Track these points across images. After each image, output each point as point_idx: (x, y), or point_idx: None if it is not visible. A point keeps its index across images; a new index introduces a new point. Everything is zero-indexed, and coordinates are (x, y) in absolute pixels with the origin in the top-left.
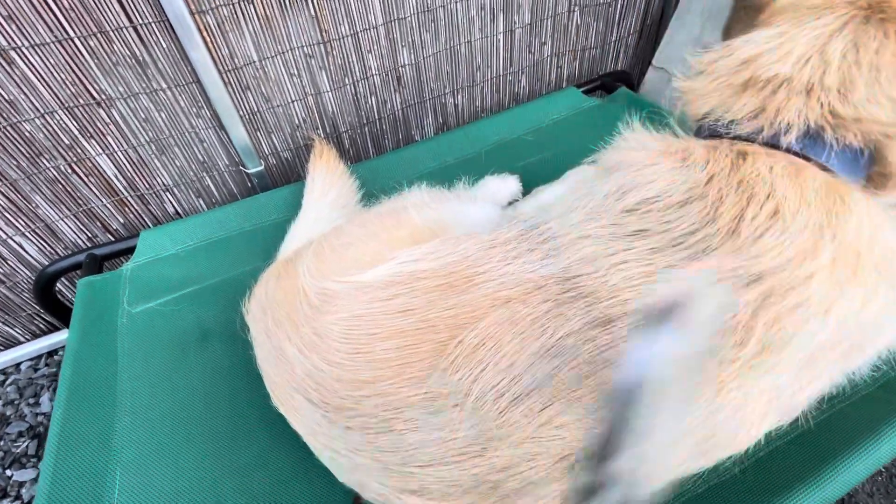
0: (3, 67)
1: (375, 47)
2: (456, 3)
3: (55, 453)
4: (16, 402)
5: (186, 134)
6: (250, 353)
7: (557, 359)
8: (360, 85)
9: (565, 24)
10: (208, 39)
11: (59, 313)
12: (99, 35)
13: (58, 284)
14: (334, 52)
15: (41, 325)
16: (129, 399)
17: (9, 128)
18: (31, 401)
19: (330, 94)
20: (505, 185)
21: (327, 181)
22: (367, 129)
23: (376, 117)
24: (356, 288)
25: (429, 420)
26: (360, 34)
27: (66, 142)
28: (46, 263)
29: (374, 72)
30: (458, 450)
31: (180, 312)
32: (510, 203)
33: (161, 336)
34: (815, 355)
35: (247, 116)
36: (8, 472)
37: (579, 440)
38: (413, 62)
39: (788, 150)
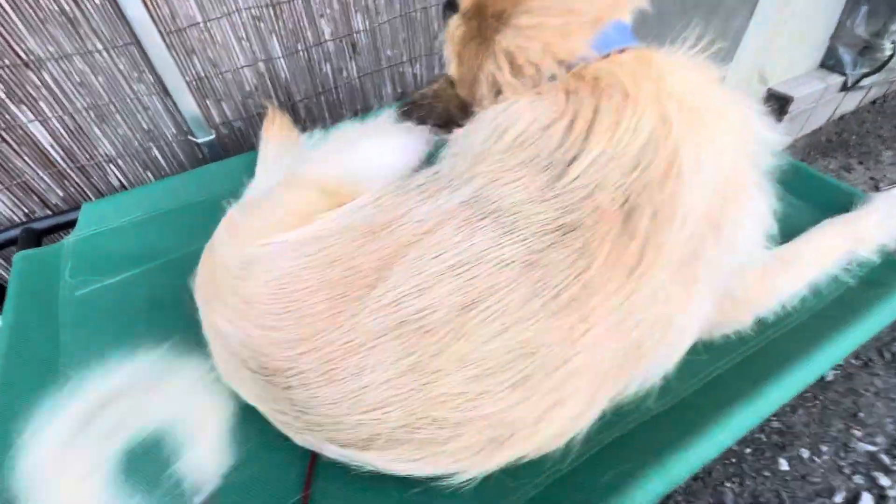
0: None
1: (328, 11)
2: None
3: None
4: None
5: (128, 100)
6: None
7: (475, 269)
8: (314, 51)
9: None
10: None
11: None
12: None
13: None
14: (284, 16)
15: None
16: (73, 375)
17: None
18: None
19: (282, 60)
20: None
21: (281, 147)
22: (322, 97)
23: (332, 85)
24: (281, 248)
25: (365, 361)
26: None
27: None
28: None
29: (327, 37)
30: (399, 386)
31: (128, 286)
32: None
33: (108, 311)
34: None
35: (194, 83)
36: None
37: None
38: (368, 28)
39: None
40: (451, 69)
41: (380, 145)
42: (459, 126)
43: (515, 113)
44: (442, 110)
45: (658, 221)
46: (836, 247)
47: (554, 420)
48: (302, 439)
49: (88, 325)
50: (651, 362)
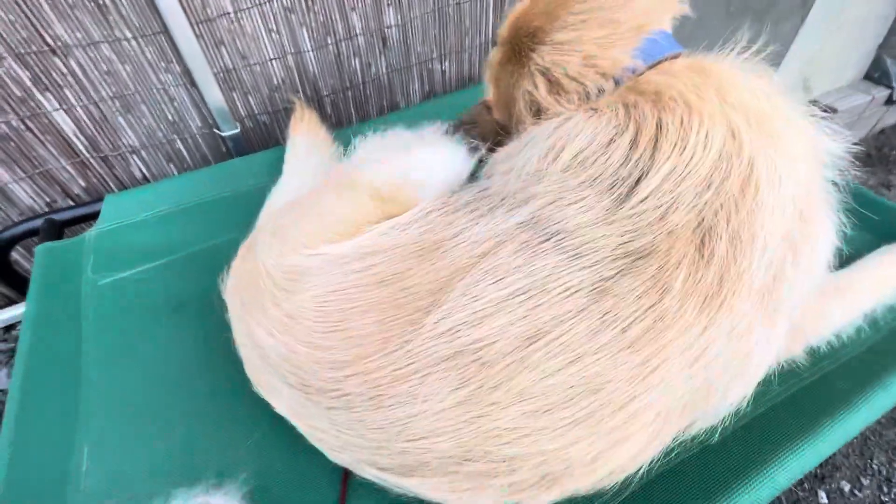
0: None
1: (360, 5)
2: None
3: (13, 431)
4: None
5: (154, 90)
6: (228, 329)
7: (539, 297)
8: (344, 45)
9: None
10: None
11: (15, 285)
12: None
13: (14, 254)
14: (316, 8)
15: None
16: (94, 370)
17: None
18: None
19: (311, 53)
20: None
21: (310, 146)
22: (350, 93)
23: (360, 81)
24: (328, 261)
25: (417, 391)
26: None
27: (18, 94)
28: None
29: (358, 31)
30: (451, 418)
31: (151, 282)
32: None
33: (130, 305)
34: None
35: (221, 74)
36: None
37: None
38: (399, 23)
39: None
40: (489, 94)
41: (436, 154)
42: (501, 146)
43: (572, 129)
44: (482, 132)
45: (737, 244)
46: (893, 275)
47: (614, 458)
48: (337, 457)
49: (110, 319)
50: (724, 399)
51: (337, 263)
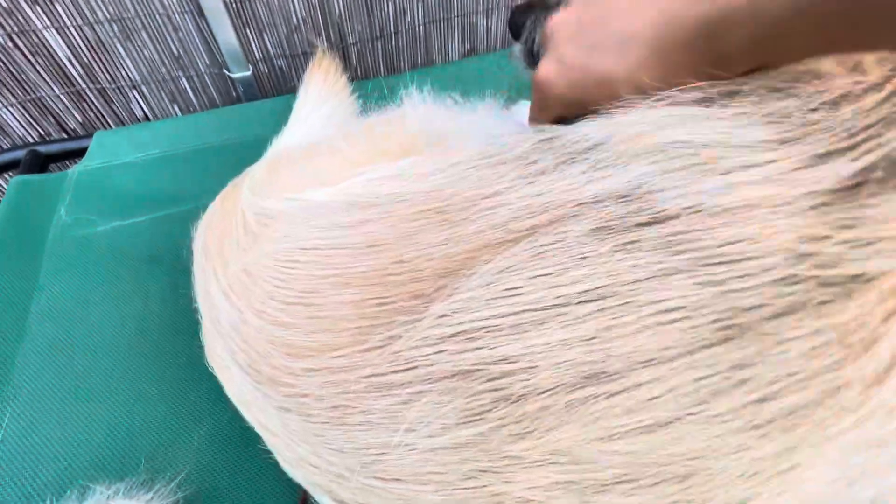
0: None
1: None
2: None
3: None
4: None
5: (157, 16)
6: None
7: (618, 312)
8: None
9: None
10: None
11: None
12: None
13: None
14: None
15: None
16: (40, 323)
17: None
18: None
19: None
20: None
21: (323, 93)
22: (379, 43)
23: (392, 30)
24: (306, 209)
25: (400, 412)
26: None
27: (4, 5)
28: None
29: None
30: (448, 463)
31: (127, 229)
32: None
33: (98, 255)
34: None
35: (234, 5)
36: None
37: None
38: None
39: None
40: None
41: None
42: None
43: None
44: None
45: None
46: None
47: None
48: (290, 472)
49: (73, 269)
50: None
51: (317, 213)
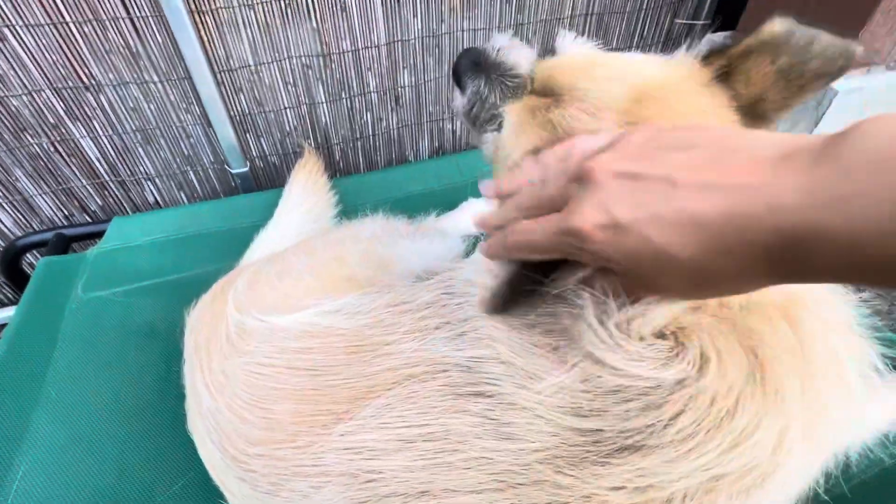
0: None
1: (376, 65)
2: (462, 31)
3: None
4: None
5: (174, 127)
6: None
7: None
8: (357, 100)
9: None
10: (205, 39)
11: (24, 288)
12: (94, 22)
13: (30, 258)
14: (333, 66)
15: (9, 295)
16: (55, 389)
17: None
18: None
19: (325, 105)
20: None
21: (305, 192)
22: (359, 143)
23: (370, 133)
24: (271, 331)
25: (312, 494)
26: (361, 51)
27: (52, 121)
28: (20, 235)
29: (372, 89)
30: None
31: (132, 305)
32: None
33: (106, 328)
34: None
35: (237, 118)
36: None
37: None
38: (413, 84)
39: None
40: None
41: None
42: None
43: None
44: None
45: None
46: None
47: None
48: None
49: (86, 340)
50: None
51: (278, 336)
